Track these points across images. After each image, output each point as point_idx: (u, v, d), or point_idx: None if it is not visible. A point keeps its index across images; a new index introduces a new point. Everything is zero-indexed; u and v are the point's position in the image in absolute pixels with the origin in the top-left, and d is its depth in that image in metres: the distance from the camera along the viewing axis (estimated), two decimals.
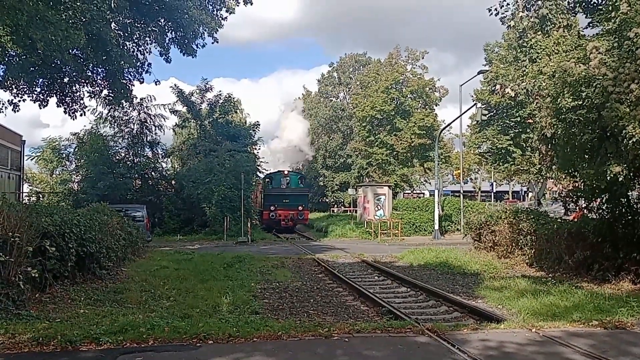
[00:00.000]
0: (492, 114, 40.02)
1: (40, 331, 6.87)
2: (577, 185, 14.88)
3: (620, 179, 10.95)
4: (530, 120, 31.16)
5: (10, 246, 8.32)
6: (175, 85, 38.27)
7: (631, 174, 11.79)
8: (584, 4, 14.56)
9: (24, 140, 40.89)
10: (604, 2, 13.94)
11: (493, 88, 35.98)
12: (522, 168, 41.64)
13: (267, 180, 41.34)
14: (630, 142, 10.12)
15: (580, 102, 11.19)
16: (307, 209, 40.87)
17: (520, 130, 38.21)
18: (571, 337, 7.31)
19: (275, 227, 38.05)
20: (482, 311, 10.14)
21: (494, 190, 70.39)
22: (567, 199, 15.19)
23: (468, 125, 47.74)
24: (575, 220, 16.09)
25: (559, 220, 16.45)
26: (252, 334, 7.08)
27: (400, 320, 8.71)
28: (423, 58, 49.40)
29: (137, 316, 8.55)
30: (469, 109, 37.91)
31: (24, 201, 27.07)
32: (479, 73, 35.19)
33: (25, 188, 44.70)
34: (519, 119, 37.81)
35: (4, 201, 9.45)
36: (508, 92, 14.27)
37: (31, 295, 9.26)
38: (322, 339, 7.04)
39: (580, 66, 11.14)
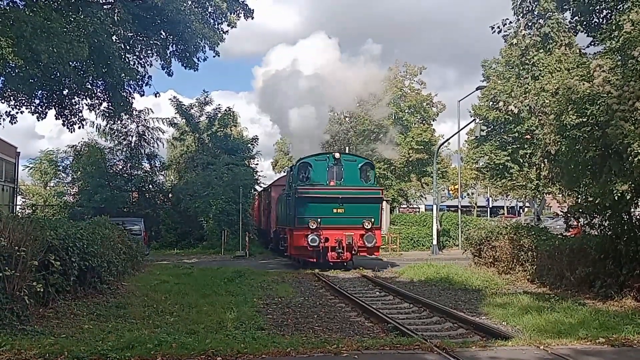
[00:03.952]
0: (490, 129, 40.20)
1: (47, 347, 6.77)
2: (578, 201, 14.91)
3: (628, 197, 10.99)
4: (528, 136, 31.41)
5: (16, 260, 8.24)
6: (174, 97, 38.49)
7: (634, 191, 11.82)
8: (584, 23, 14.70)
9: (19, 152, 40.79)
10: (605, 21, 14.10)
11: (491, 104, 36.23)
12: (518, 184, 41.72)
13: (300, 172, 21.61)
14: (635, 159, 10.18)
15: (584, 120, 11.26)
16: (378, 226, 21.46)
17: (518, 146, 38.34)
18: (580, 354, 7.27)
19: (315, 259, 20.57)
20: (487, 328, 10.06)
21: (490, 206, 70.63)
22: (569, 215, 15.21)
23: (465, 141, 47.90)
24: (574, 236, 16.10)
25: (560, 236, 16.45)
26: (261, 351, 7.00)
27: (408, 337, 8.62)
28: (421, 74, 49.62)
29: (143, 332, 8.44)
30: (468, 124, 38.17)
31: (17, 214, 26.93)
32: (477, 89, 35.46)
33: (18, 200, 44.50)
34: (517, 134, 37.95)
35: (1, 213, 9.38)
36: (511, 109, 14.37)
37: (34, 310, 9.17)
38: (332, 355, 6.98)
39: (584, 84, 11.24)
